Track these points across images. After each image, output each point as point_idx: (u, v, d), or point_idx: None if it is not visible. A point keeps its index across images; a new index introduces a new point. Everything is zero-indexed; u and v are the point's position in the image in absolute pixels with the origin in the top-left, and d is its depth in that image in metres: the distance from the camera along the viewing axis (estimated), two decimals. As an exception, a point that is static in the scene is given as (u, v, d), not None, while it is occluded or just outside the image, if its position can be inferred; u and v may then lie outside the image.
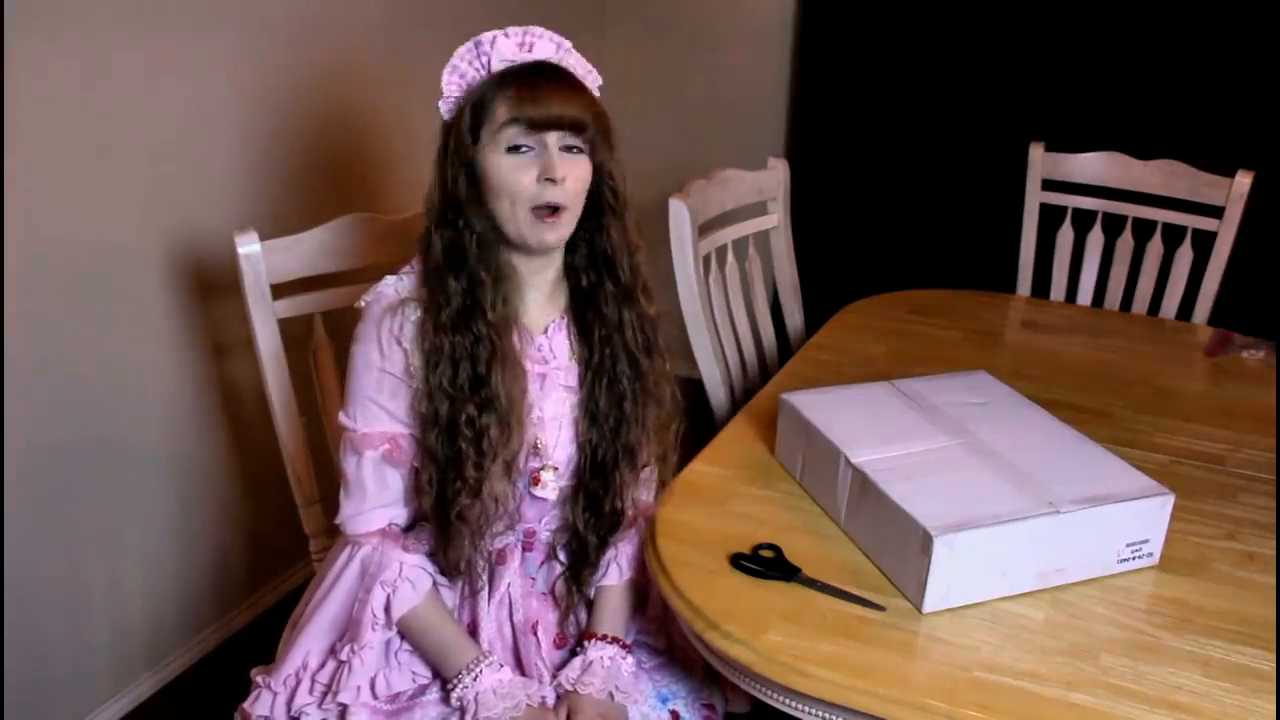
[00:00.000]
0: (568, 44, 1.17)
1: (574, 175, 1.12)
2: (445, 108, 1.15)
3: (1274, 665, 1.03)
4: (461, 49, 1.14)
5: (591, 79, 1.19)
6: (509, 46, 1.12)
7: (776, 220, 2.02)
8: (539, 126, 1.09)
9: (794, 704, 1.05)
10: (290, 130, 1.98)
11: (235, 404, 1.97)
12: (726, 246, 1.90)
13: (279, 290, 1.43)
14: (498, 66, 1.12)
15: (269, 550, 2.14)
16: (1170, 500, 1.15)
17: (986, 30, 2.59)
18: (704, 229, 1.81)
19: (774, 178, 2.01)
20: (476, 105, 1.11)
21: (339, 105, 2.07)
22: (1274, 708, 0.97)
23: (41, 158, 1.54)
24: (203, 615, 2.03)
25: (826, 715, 1.03)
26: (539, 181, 1.10)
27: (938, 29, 2.64)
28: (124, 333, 1.74)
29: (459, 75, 1.14)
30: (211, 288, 1.86)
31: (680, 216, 1.70)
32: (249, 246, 1.38)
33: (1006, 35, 2.57)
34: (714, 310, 1.81)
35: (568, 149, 1.12)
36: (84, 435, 1.70)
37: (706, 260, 1.82)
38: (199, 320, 1.87)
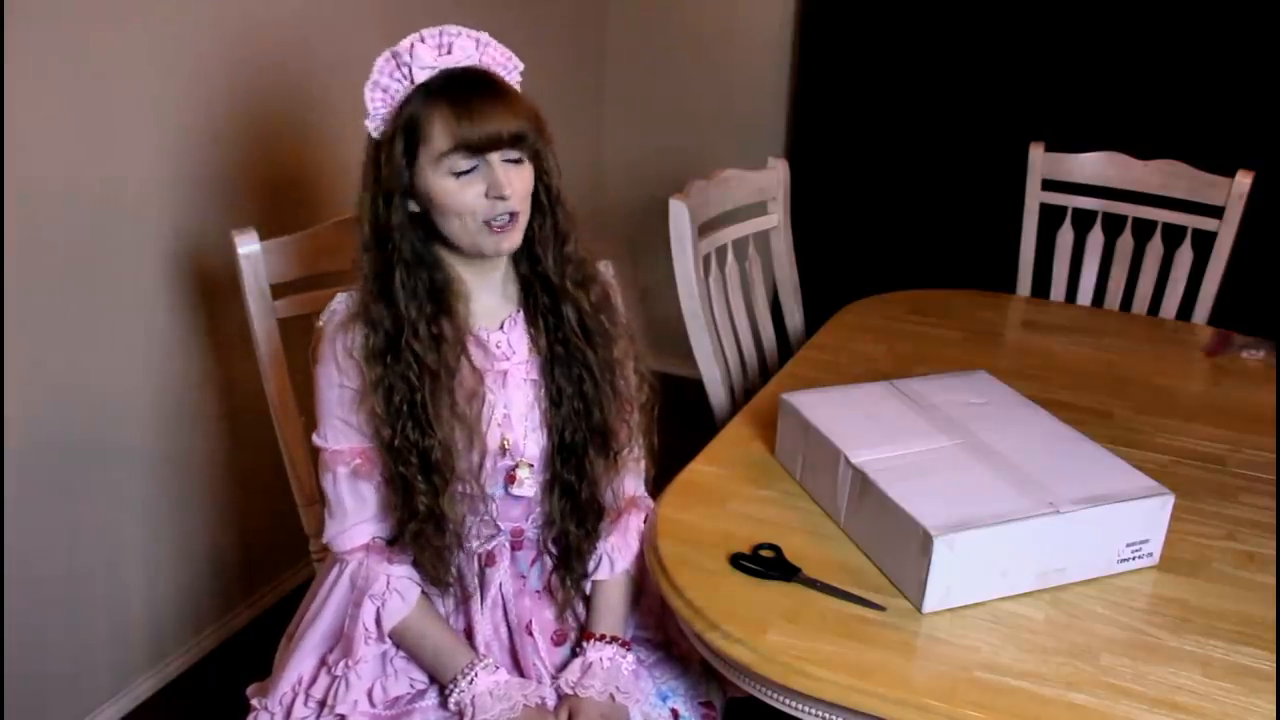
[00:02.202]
0: (485, 37, 1.14)
1: (520, 182, 1.11)
2: (372, 126, 1.13)
3: (1274, 665, 1.03)
4: (380, 61, 1.11)
5: (512, 68, 1.17)
6: (427, 53, 1.10)
7: (776, 220, 2.02)
8: (482, 149, 1.09)
9: (794, 704, 1.05)
10: (291, 129, 1.98)
11: (235, 404, 1.97)
12: (726, 246, 1.90)
13: (279, 290, 1.43)
14: (420, 76, 1.10)
15: (268, 550, 2.14)
16: (1170, 500, 1.15)
17: (986, 30, 2.59)
18: (704, 229, 1.81)
19: (774, 178, 2.01)
20: (409, 126, 1.10)
21: (341, 104, 2.07)
22: (1274, 708, 0.97)
23: (41, 157, 1.54)
24: (203, 615, 2.03)
25: (826, 715, 1.03)
26: (488, 198, 1.10)
27: (938, 29, 2.64)
28: (124, 333, 1.74)
29: (382, 90, 1.12)
30: (211, 288, 1.86)
31: (680, 216, 1.70)
32: (249, 246, 1.38)
33: (1006, 35, 2.57)
34: (714, 310, 1.81)
35: (510, 160, 1.11)
36: (84, 435, 1.70)
37: (706, 260, 1.82)
38: (199, 320, 1.87)
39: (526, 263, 1.21)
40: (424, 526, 1.16)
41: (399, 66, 1.11)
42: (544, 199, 1.17)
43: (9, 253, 1.52)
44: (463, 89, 1.09)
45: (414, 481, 1.13)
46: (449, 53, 1.11)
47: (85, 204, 1.62)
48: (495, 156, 1.10)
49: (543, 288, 1.20)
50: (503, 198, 1.09)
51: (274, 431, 1.47)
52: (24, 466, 1.61)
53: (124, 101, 1.65)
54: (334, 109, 2.06)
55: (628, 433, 1.27)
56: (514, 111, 1.10)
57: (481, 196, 1.10)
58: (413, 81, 1.11)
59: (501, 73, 1.15)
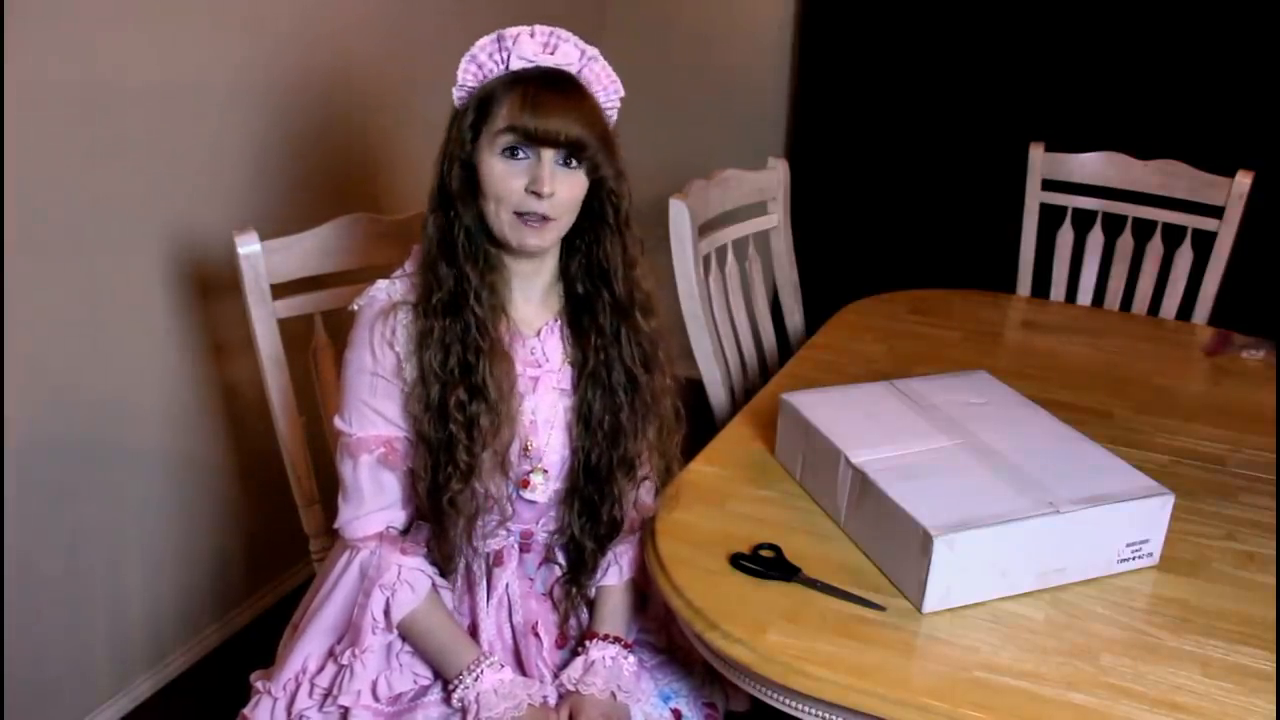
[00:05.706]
0: (594, 52, 1.15)
1: (565, 189, 1.11)
2: (457, 96, 1.14)
3: (1274, 665, 1.03)
4: (484, 39, 1.12)
5: (613, 90, 1.17)
6: (530, 46, 1.11)
7: (776, 220, 2.02)
8: (535, 140, 1.09)
9: (794, 704, 1.05)
10: (291, 129, 1.98)
11: (235, 404, 1.97)
12: (726, 246, 1.90)
13: (279, 290, 1.43)
14: (515, 65, 1.11)
15: (269, 550, 2.14)
16: (1170, 500, 1.15)
17: (986, 30, 2.59)
18: (704, 229, 1.81)
19: (774, 178, 2.01)
20: (482, 102, 1.11)
21: (340, 104, 2.08)
22: (1274, 708, 0.97)
23: (41, 156, 1.54)
24: (203, 615, 2.03)
25: (826, 715, 1.03)
26: (526, 191, 1.10)
27: (938, 29, 2.64)
28: (124, 332, 1.74)
29: (476, 65, 1.13)
30: (211, 288, 1.86)
31: (680, 216, 1.70)
32: (249, 246, 1.38)
33: (1006, 35, 2.57)
34: (714, 310, 1.81)
35: (565, 163, 1.12)
36: (84, 435, 1.70)
37: (706, 260, 1.82)
38: (199, 320, 1.87)
39: (588, 280, 1.21)
40: (460, 489, 1.15)
41: (500, 49, 1.12)
42: (612, 220, 1.17)
43: (9, 253, 1.52)
44: (541, 82, 1.10)
45: (459, 439, 1.13)
46: (552, 53, 1.12)
47: (85, 204, 1.62)
48: (549, 154, 1.10)
49: (608, 305, 1.20)
50: (539, 194, 1.10)
51: (274, 432, 1.47)
52: (24, 466, 1.61)
53: (124, 100, 1.65)
54: (336, 109, 2.06)
55: (658, 460, 1.27)
56: (580, 118, 1.10)
57: (521, 188, 1.10)
58: (507, 67, 1.11)
59: (598, 89, 1.16)
